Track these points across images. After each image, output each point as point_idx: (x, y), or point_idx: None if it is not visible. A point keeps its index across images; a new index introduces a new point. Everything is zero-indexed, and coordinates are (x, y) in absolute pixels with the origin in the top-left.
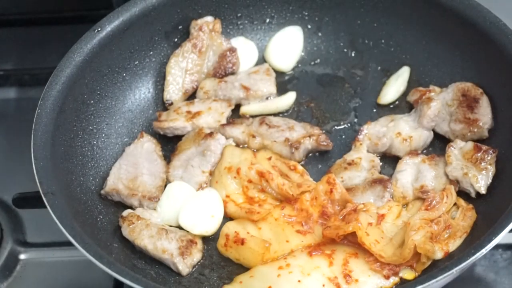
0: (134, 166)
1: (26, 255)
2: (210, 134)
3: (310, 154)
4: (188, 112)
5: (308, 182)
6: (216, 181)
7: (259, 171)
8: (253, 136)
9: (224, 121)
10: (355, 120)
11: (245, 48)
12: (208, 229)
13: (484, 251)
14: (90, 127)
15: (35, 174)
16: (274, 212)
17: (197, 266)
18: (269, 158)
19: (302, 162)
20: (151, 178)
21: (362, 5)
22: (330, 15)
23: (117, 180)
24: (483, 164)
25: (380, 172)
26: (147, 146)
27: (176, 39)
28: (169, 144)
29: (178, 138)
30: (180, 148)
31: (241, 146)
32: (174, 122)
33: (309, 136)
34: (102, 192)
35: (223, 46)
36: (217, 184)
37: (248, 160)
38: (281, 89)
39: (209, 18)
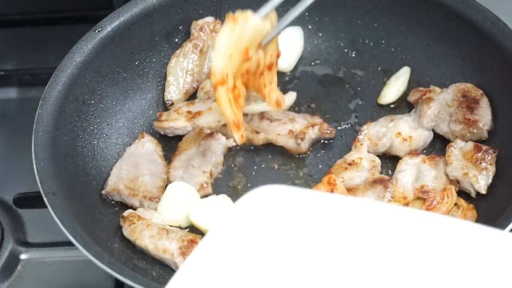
0: (135, 167)
1: (26, 255)
2: (211, 134)
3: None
4: (189, 112)
5: None
6: (230, 54)
7: None
8: (257, 132)
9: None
10: (356, 120)
11: None
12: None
13: None
14: (91, 127)
15: (36, 174)
16: None
17: None
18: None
19: (309, 152)
20: (152, 178)
21: (363, 5)
22: (331, 15)
23: (118, 180)
24: (483, 164)
25: (380, 173)
26: (148, 146)
27: (176, 40)
28: (170, 145)
29: (178, 138)
30: (180, 149)
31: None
32: (175, 122)
33: (312, 126)
34: (103, 192)
35: None
36: (229, 59)
37: None
38: (281, 89)
39: (209, 19)
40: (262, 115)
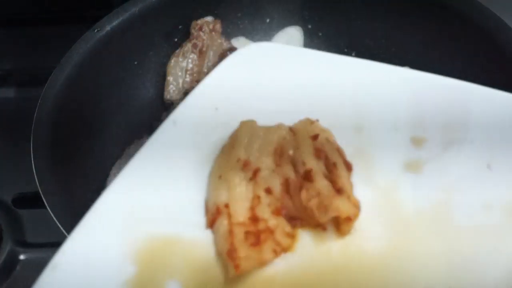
0: None
1: (25, 255)
2: None
3: None
4: None
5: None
6: (219, 176)
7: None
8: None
9: None
10: None
11: None
12: None
13: None
14: (91, 128)
15: (35, 174)
16: None
17: None
18: (315, 137)
19: None
20: None
21: (363, 4)
22: (331, 15)
23: None
24: None
25: None
26: None
27: (176, 39)
28: None
29: None
30: None
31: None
32: None
33: None
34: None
35: (223, 46)
36: (219, 181)
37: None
38: None
39: (209, 18)
40: None
